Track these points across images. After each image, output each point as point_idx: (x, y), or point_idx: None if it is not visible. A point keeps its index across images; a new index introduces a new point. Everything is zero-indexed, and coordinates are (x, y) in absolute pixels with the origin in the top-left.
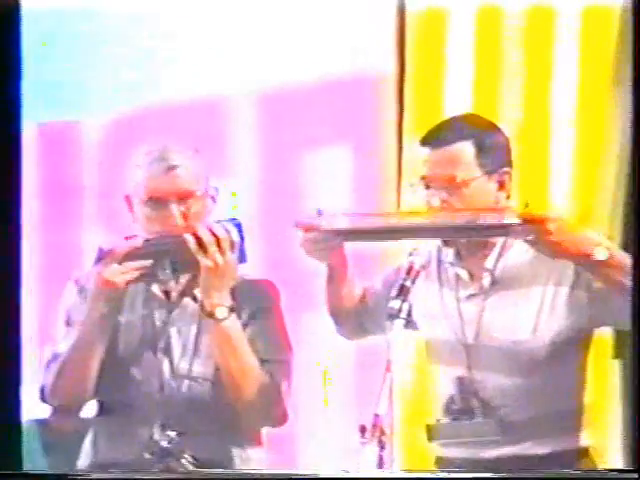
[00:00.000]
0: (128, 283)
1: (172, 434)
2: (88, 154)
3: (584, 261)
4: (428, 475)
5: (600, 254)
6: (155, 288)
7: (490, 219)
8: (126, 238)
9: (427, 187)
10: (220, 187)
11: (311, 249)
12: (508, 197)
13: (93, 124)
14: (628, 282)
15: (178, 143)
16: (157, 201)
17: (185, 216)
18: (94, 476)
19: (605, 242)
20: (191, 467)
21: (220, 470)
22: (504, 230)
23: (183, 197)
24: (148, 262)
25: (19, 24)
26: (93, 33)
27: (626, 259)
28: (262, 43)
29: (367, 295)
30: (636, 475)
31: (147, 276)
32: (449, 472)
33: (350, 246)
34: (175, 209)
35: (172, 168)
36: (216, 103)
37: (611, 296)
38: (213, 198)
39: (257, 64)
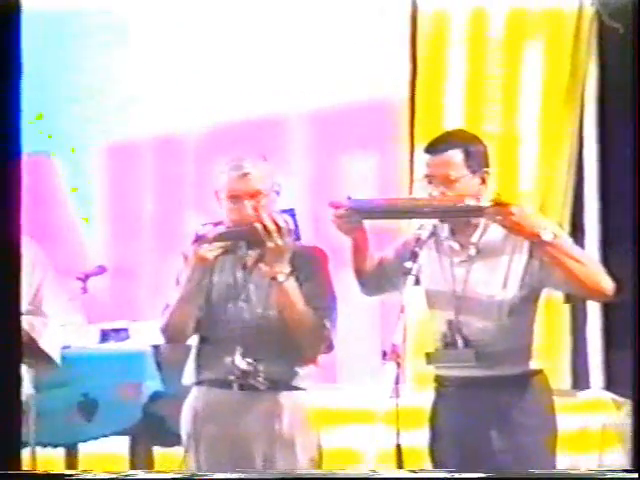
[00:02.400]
0: (216, 257)
1: (249, 360)
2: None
3: (534, 239)
4: (428, 475)
5: (546, 235)
6: (236, 259)
7: (470, 202)
8: (214, 224)
9: (429, 183)
10: (282, 184)
11: (339, 224)
12: (486, 188)
13: (191, 136)
14: (566, 260)
15: (250, 153)
16: (235, 198)
17: (255, 209)
18: (95, 476)
19: (552, 227)
20: (263, 386)
21: (221, 473)
22: (480, 211)
23: (254, 195)
24: (229, 243)
25: (19, 24)
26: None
27: (568, 242)
28: (309, 73)
29: (383, 262)
30: (636, 475)
31: (229, 252)
32: (449, 472)
33: (369, 224)
34: (248, 205)
35: (245, 174)
36: (275, 121)
37: (554, 268)
38: (277, 192)
39: (306, 88)
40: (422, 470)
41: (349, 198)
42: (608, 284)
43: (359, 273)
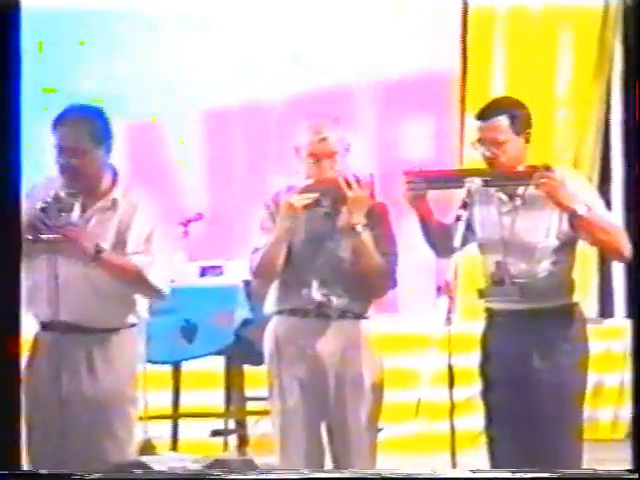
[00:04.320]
0: (304, 207)
1: (325, 291)
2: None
3: (570, 212)
4: (429, 475)
5: (581, 210)
6: (320, 211)
7: (519, 169)
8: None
9: (481, 145)
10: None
11: (405, 194)
12: (528, 142)
13: (274, 104)
14: (595, 230)
15: (327, 119)
16: (314, 157)
17: (331, 167)
18: (95, 476)
19: (588, 199)
20: (335, 314)
21: (219, 471)
22: (527, 178)
23: (330, 155)
24: (316, 194)
25: (19, 24)
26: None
27: (602, 217)
28: (376, 48)
29: (448, 226)
30: (636, 475)
31: (315, 204)
32: (450, 472)
33: (431, 194)
34: (325, 163)
35: (324, 139)
36: (348, 90)
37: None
38: (348, 151)
39: (373, 62)
40: (479, 470)
41: (417, 169)
42: (627, 249)
43: (427, 240)
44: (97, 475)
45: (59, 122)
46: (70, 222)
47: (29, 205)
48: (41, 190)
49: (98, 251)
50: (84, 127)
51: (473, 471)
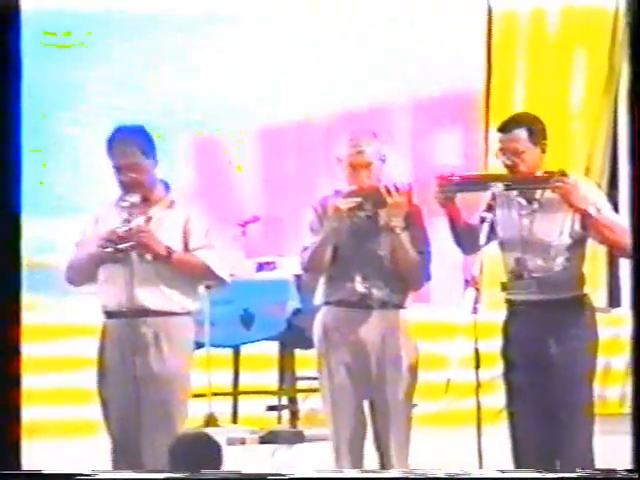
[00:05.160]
0: (348, 210)
1: (367, 284)
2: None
3: (582, 213)
4: (429, 475)
5: (591, 210)
6: (362, 214)
7: (534, 176)
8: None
9: (503, 154)
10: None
11: (436, 196)
12: (544, 152)
13: (322, 120)
14: (603, 229)
15: (364, 132)
16: (353, 168)
17: (368, 176)
18: (98, 476)
19: (597, 202)
20: (376, 305)
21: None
22: (545, 182)
23: (367, 166)
24: (359, 199)
25: (19, 24)
26: None
27: (609, 218)
28: (409, 69)
29: (473, 226)
30: (636, 475)
31: (358, 207)
32: (450, 472)
33: (460, 197)
34: (362, 172)
35: (361, 151)
36: (384, 108)
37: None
38: (383, 161)
39: (407, 82)
40: (507, 470)
41: (448, 175)
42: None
43: (455, 239)
44: (100, 475)
45: (112, 143)
46: (140, 230)
47: (99, 222)
48: (105, 207)
49: (169, 252)
50: (135, 145)
51: (502, 471)
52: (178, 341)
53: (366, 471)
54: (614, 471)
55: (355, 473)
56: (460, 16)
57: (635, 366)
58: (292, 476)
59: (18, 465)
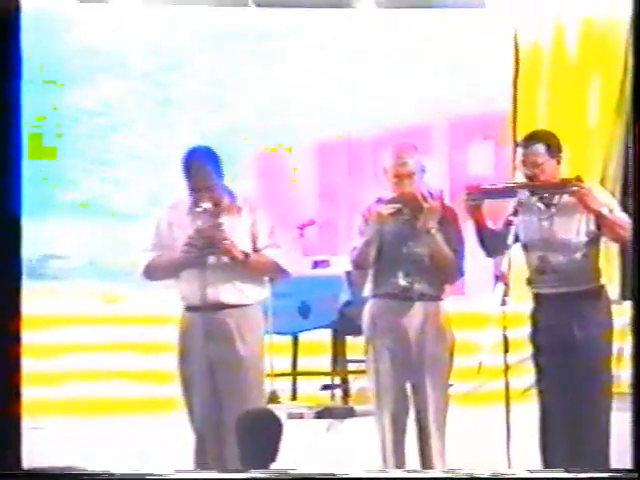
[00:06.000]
0: (389, 215)
1: (408, 279)
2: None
3: (596, 214)
4: (428, 475)
5: (604, 210)
6: (402, 218)
7: (554, 182)
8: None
9: (524, 166)
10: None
11: (464, 205)
12: (559, 164)
13: (370, 135)
14: (614, 226)
15: (407, 146)
16: (397, 178)
17: (410, 185)
18: (97, 476)
19: (609, 204)
20: (417, 297)
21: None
22: (564, 188)
23: (410, 176)
24: (399, 205)
25: (19, 24)
26: None
27: (620, 217)
28: (448, 91)
29: (497, 231)
30: (636, 475)
31: (398, 212)
32: (451, 472)
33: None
34: (406, 182)
35: (405, 162)
36: (425, 126)
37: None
38: (424, 172)
39: (445, 102)
40: (535, 471)
41: (476, 185)
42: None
43: (480, 243)
44: (102, 474)
45: (187, 163)
46: (223, 238)
47: (173, 227)
48: (178, 212)
49: (245, 255)
50: (206, 164)
51: (530, 471)
52: (253, 329)
53: (410, 471)
54: (614, 471)
55: (400, 473)
56: (491, 45)
57: (635, 381)
58: (305, 476)
59: (18, 465)
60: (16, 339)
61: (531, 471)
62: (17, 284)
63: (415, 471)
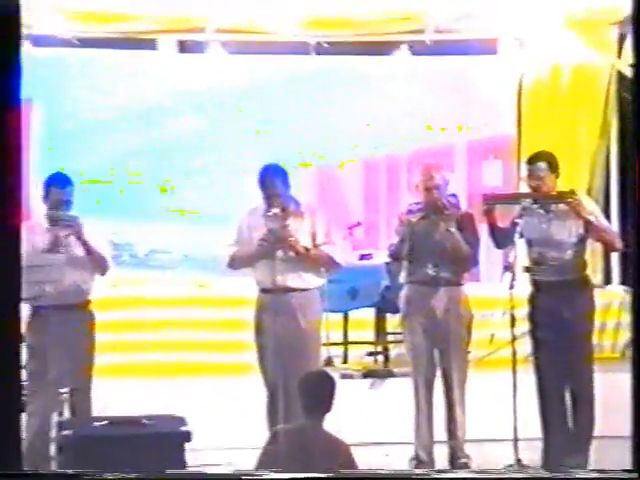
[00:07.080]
0: (418, 219)
1: (435, 269)
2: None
3: (585, 220)
4: (428, 475)
5: (592, 218)
6: (429, 221)
7: (553, 193)
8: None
9: (529, 180)
10: (449, 180)
11: (484, 210)
12: (557, 178)
13: (404, 155)
14: (600, 232)
15: (433, 164)
16: (426, 190)
17: (435, 195)
18: (97, 476)
19: (595, 213)
20: (443, 283)
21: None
22: (560, 198)
23: (436, 188)
24: (424, 211)
25: (19, 25)
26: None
27: (604, 224)
28: (462, 118)
29: (505, 229)
30: (636, 475)
31: (424, 217)
32: (450, 472)
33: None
34: (433, 192)
35: (431, 177)
36: (447, 147)
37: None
38: (447, 184)
39: (462, 127)
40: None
41: (490, 194)
42: (619, 244)
43: (492, 238)
44: (106, 475)
45: (262, 177)
46: (290, 235)
47: (251, 228)
48: (254, 216)
49: (307, 250)
50: (276, 179)
51: (530, 471)
52: (312, 307)
53: (440, 471)
54: (614, 471)
55: (434, 474)
56: (501, 84)
57: (635, 382)
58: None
59: (18, 465)
60: (16, 339)
61: (531, 471)
62: (17, 284)
63: (416, 472)
